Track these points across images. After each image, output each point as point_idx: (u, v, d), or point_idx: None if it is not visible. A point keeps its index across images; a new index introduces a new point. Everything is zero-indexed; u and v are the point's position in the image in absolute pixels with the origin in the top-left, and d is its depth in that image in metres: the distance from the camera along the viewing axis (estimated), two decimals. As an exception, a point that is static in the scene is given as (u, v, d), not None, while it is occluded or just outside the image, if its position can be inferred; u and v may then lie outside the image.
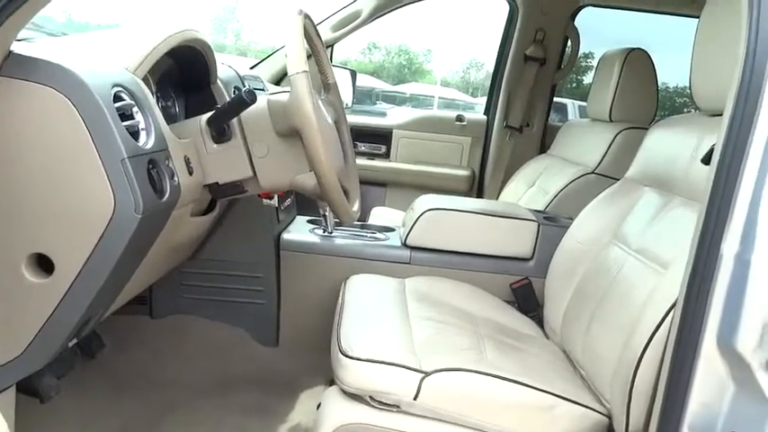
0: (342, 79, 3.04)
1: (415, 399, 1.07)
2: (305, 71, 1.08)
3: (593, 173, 2.02)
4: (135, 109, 1.00)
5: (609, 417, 1.14)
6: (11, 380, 0.99)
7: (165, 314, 1.73)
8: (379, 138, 2.81)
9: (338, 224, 1.89)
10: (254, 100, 1.11)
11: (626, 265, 1.30)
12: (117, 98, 0.96)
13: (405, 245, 1.73)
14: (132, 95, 1.00)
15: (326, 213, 1.76)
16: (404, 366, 1.09)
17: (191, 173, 1.13)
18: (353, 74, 3.00)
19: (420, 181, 2.75)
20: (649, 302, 1.11)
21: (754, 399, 0.76)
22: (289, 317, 1.75)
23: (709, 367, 0.84)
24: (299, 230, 1.79)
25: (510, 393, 1.08)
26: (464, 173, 2.77)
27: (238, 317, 1.73)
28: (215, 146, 1.20)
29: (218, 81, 1.50)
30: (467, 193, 2.77)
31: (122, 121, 0.94)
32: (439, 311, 1.42)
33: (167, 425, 1.51)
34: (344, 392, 1.13)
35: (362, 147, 2.80)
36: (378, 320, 1.29)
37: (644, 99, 2.03)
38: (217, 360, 1.71)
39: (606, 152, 2.01)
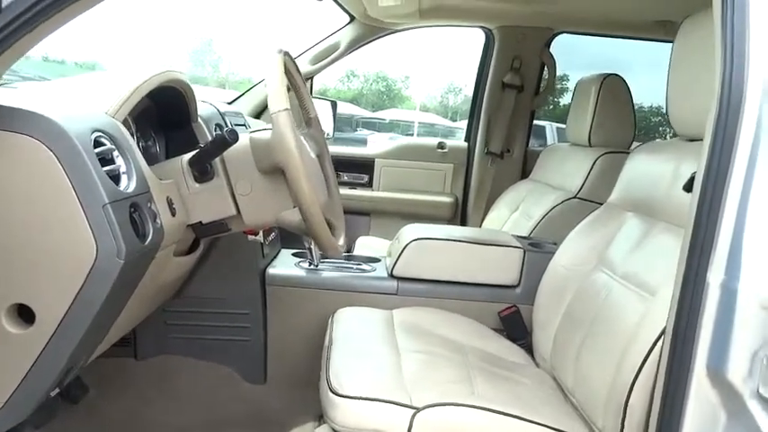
0: (322, 110, 3.06)
1: (407, 436, 1.06)
2: (286, 109, 1.08)
3: (575, 197, 2.04)
4: (115, 153, 0.99)
5: (601, 446, 1.13)
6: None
7: (151, 355, 1.69)
8: (361, 167, 2.82)
9: (323, 256, 1.88)
10: (236, 139, 1.11)
11: (613, 291, 1.30)
12: (97, 143, 0.95)
13: (391, 275, 1.72)
14: (112, 139, 0.99)
15: (311, 247, 1.75)
16: (395, 403, 1.08)
17: (173, 214, 1.12)
18: (334, 105, 3.03)
19: (403, 209, 2.76)
20: (639, 329, 1.11)
21: (746, 428, 0.76)
22: (276, 353, 1.72)
23: (701, 396, 0.84)
24: (285, 264, 1.78)
25: (500, 426, 1.07)
26: (447, 200, 2.79)
27: (225, 355, 1.70)
28: (197, 185, 1.19)
29: (199, 119, 1.49)
30: (450, 220, 2.78)
31: (103, 166, 0.94)
32: (427, 343, 1.41)
33: None
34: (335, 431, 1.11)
35: (345, 176, 2.81)
36: (367, 355, 1.27)
37: (621, 123, 2.07)
38: (204, 400, 1.68)
39: (587, 177, 2.04)
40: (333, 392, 1.10)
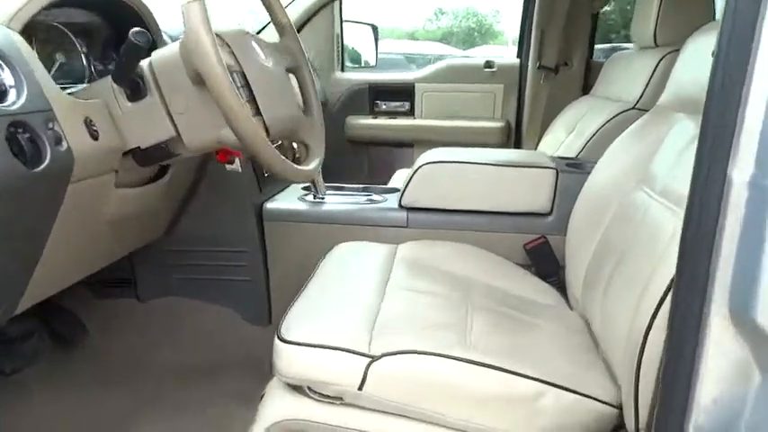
0: (362, 36, 2.82)
1: (359, 389, 0.87)
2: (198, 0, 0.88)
3: (633, 108, 1.69)
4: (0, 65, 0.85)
5: (619, 407, 0.89)
6: None
7: (153, 297, 1.61)
8: (400, 94, 2.56)
9: (339, 188, 1.70)
10: (146, 42, 0.93)
11: (650, 211, 1.02)
12: None
13: (401, 206, 1.51)
14: None
15: (315, 176, 1.56)
16: (347, 350, 0.89)
17: (95, 137, 0.97)
18: (375, 30, 2.77)
19: (449, 138, 2.49)
20: (666, 253, 0.84)
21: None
22: (279, 293, 1.58)
23: (721, 349, 0.58)
24: (287, 198, 1.61)
25: (478, 380, 0.85)
26: (498, 125, 2.48)
27: (227, 296, 1.59)
28: (129, 104, 1.03)
29: (169, 41, 1.33)
30: (502, 147, 2.48)
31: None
32: (427, 280, 1.20)
33: (153, 413, 1.40)
34: (286, 384, 0.95)
35: (383, 105, 2.57)
36: (341, 295, 1.08)
37: (691, 15, 1.66)
38: (207, 344, 1.58)
39: (648, 83, 1.68)
40: (279, 338, 0.93)
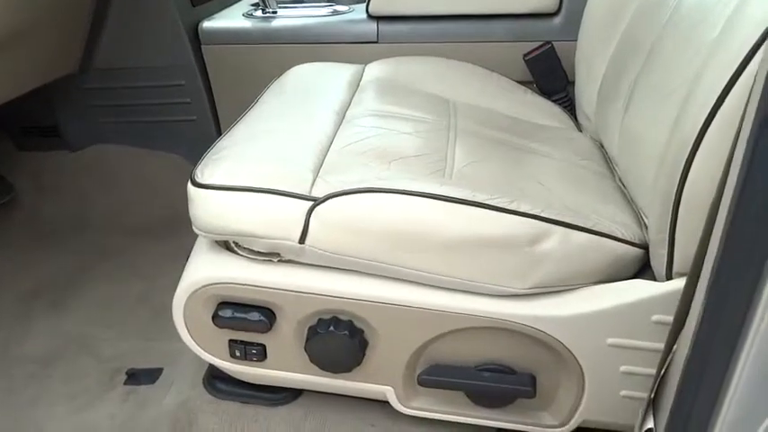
0: None
1: (300, 242, 0.65)
2: None
3: None
4: None
5: (644, 248, 0.67)
6: None
7: (84, 145, 1.37)
8: None
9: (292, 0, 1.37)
10: None
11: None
12: None
13: (369, 16, 1.20)
14: None
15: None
16: (282, 193, 0.66)
17: None
18: None
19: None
20: (717, 48, 0.58)
21: None
22: (233, 134, 1.33)
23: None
24: (230, 15, 1.30)
25: (455, 222, 0.63)
26: None
27: (170, 140, 1.34)
28: None
29: None
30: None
31: None
32: (398, 103, 0.94)
33: (96, 275, 1.22)
34: (212, 241, 0.73)
35: None
36: (283, 126, 0.83)
37: None
38: (154, 195, 1.36)
39: None
40: (192, 182, 0.70)
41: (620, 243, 0.65)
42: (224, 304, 0.70)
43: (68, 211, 1.35)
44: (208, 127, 1.31)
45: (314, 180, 0.68)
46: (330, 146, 0.78)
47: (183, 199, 1.37)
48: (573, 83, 1.10)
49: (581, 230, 0.64)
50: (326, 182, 0.68)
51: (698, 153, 0.55)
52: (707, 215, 0.48)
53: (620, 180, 0.84)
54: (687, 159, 0.56)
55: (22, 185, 1.36)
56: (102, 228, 1.33)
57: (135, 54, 1.24)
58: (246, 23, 1.25)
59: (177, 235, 1.30)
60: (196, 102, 1.28)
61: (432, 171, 0.74)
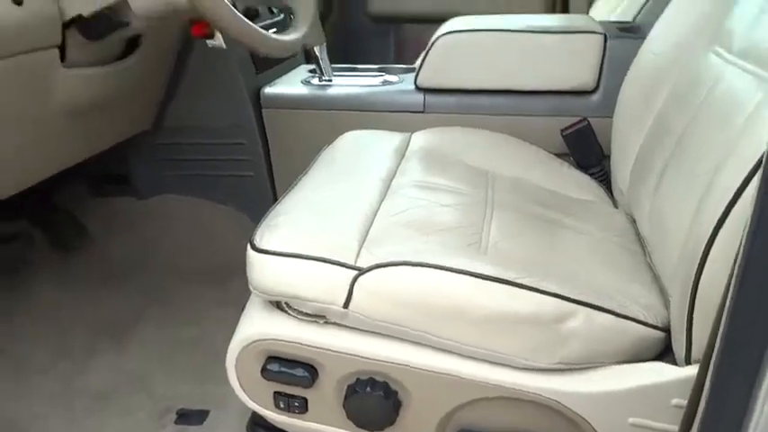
0: None
1: (345, 306, 0.72)
2: None
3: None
4: None
5: (667, 331, 0.71)
6: None
7: (151, 194, 1.49)
8: None
9: (351, 69, 1.48)
10: None
11: (723, 78, 0.78)
12: None
13: (417, 88, 1.29)
14: None
15: (318, 54, 1.35)
16: (330, 261, 0.73)
17: (17, 2, 0.78)
18: None
19: (485, 7, 2.16)
20: (744, 134, 0.63)
21: None
22: (285, 190, 1.42)
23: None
24: (289, 82, 1.41)
25: (487, 298, 0.69)
26: (542, -13, 2.14)
27: (228, 193, 1.45)
28: None
29: None
30: (547, 11, 2.15)
31: None
32: (441, 174, 1.01)
33: (159, 315, 1.33)
34: (265, 300, 0.81)
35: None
36: (334, 194, 0.91)
37: None
38: (211, 244, 1.47)
39: None
40: (251, 246, 0.78)
41: (643, 326, 0.69)
42: (272, 358, 0.77)
43: (133, 255, 1.46)
44: (263, 183, 1.41)
45: (359, 250, 0.75)
46: (375, 216, 0.85)
47: (237, 248, 1.47)
48: (609, 157, 1.15)
49: (605, 312, 0.69)
50: (370, 253, 0.75)
51: (715, 242, 0.60)
52: (719, 303, 0.52)
53: (650, 257, 0.88)
54: (705, 247, 0.60)
55: (93, 228, 1.49)
56: (162, 271, 1.44)
57: (202, 114, 1.36)
58: (304, 90, 1.35)
59: (229, 282, 1.40)
60: (254, 159, 1.39)
61: (468, 244, 0.81)
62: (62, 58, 0.91)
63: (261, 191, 1.42)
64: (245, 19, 0.79)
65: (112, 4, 0.85)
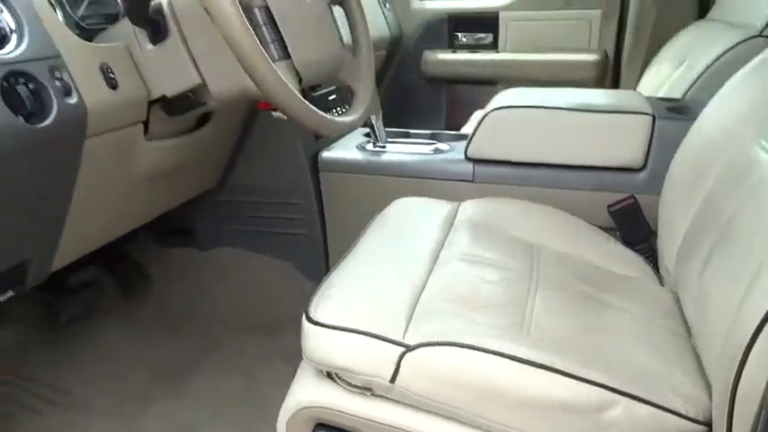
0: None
1: (391, 381, 0.76)
2: None
3: (759, 36, 1.39)
4: (-1, 6, 0.77)
5: (707, 424, 0.72)
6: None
7: (212, 246, 1.58)
8: (482, 25, 2.31)
9: (404, 134, 1.55)
10: None
11: (768, 173, 0.80)
12: None
13: (467, 158, 1.34)
14: None
15: (374, 122, 1.43)
16: (379, 337, 0.77)
17: (113, 86, 0.88)
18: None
19: (537, 74, 2.23)
20: None
21: None
22: (337, 248, 1.49)
23: None
24: (345, 146, 1.49)
25: (528, 383, 0.71)
26: (593, 57, 2.18)
27: (283, 249, 1.52)
28: (150, 47, 0.93)
29: None
30: (598, 83, 2.19)
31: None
32: (488, 246, 1.05)
33: (213, 365, 1.40)
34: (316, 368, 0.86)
35: (463, 38, 2.34)
36: (385, 266, 0.96)
37: None
38: (263, 297, 1.54)
39: (783, 2, 1.36)
40: (306, 317, 0.84)
41: (683, 419, 0.70)
42: (320, 426, 0.81)
43: (191, 304, 1.55)
44: (316, 240, 1.48)
45: (407, 326, 0.79)
46: (423, 289, 0.89)
47: (287, 302, 1.55)
48: (655, 234, 1.16)
49: (645, 403, 0.70)
50: (417, 330, 0.79)
51: (754, 346, 0.61)
52: (756, 410, 0.54)
53: (694, 341, 0.89)
54: (745, 349, 0.62)
55: (155, 276, 1.58)
56: (216, 321, 1.51)
57: (263, 175, 1.44)
58: (359, 155, 1.43)
59: (280, 335, 1.46)
60: (308, 218, 1.46)
61: (511, 323, 0.84)
62: (145, 131, 1.01)
63: (313, 248, 1.49)
64: (311, 106, 0.86)
65: (194, 87, 0.94)
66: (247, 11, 0.83)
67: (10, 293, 0.91)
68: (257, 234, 1.53)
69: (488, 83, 2.36)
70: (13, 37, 0.77)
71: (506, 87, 2.33)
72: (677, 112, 1.22)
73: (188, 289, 1.57)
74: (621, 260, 1.13)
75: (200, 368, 1.38)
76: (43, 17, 0.81)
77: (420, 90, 2.43)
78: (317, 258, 1.50)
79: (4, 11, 0.77)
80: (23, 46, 0.77)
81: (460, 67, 2.36)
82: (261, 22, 0.89)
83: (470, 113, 2.06)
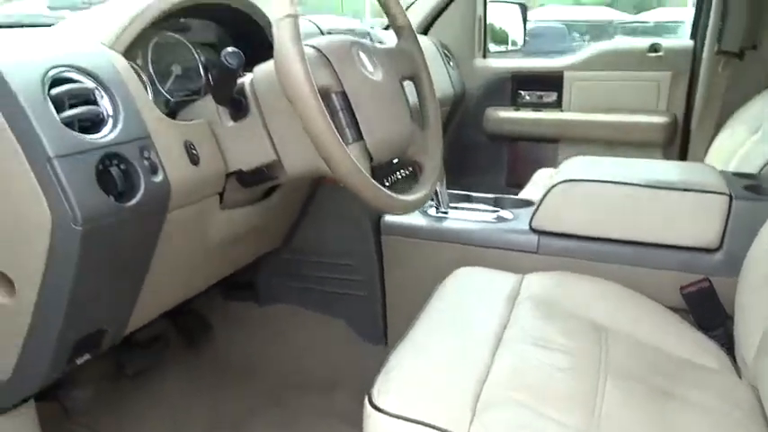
0: (509, 16, 2.60)
1: (454, 478, 0.74)
2: (290, 15, 0.78)
3: None
4: (99, 93, 0.82)
5: None
6: (7, 403, 0.93)
7: (271, 302, 1.61)
8: (546, 83, 2.31)
9: (466, 198, 1.55)
10: (238, 63, 0.86)
11: None
12: (62, 81, 0.78)
13: (531, 229, 1.32)
14: (94, 77, 0.82)
15: (438, 188, 1.43)
16: (440, 430, 0.76)
17: (195, 162, 0.93)
18: (523, 9, 2.55)
19: (601, 134, 2.21)
20: None
21: None
22: (396, 312, 1.49)
23: None
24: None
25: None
26: (662, 120, 2.14)
27: (341, 309, 1.53)
28: (231, 124, 0.98)
29: None
30: (666, 147, 2.14)
31: (74, 107, 0.78)
32: (554, 328, 1.03)
33: (267, 421, 1.40)
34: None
35: (527, 96, 2.34)
36: (448, 346, 0.95)
37: None
38: (320, 356, 1.55)
39: None
40: (369, 402, 0.83)
41: None
42: None
43: (247, 358, 1.57)
44: (375, 303, 1.49)
45: (472, 418, 0.78)
46: (488, 376, 0.88)
47: (342, 362, 1.55)
48: (732, 319, 1.11)
49: None
50: (482, 423, 0.77)
51: None
52: None
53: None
54: None
55: (217, 327, 1.62)
56: (272, 377, 1.53)
57: (326, 238, 1.47)
58: (421, 221, 1.43)
59: (332, 394, 1.46)
60: (368, 280, 1.47)
61: (580, 415, 0.81)
62: (220, 200, 1.05)
63: (372, 310, 1.49)
64: (382, 188, 0.88)
65: (269, 162, 0.98)
66: (325, 97, 0.87)
67: (87, 356, 0.95)
68: (316, 293, 1.55)
69: (551, 141, 2.34)
70: (109, 121, 0.82)
71: (568, 146, 2.33)
72: (755, 191, 1.18)
73: (246, 342, 1.60)
74: (695, 347, 1.08)
75: (254, 423, 1.40)
76: (136, 97, 0.87)
77: (481, 146, 2.44)
78: (375, 320, 1.50)
79: (105, 97, 0.83)
80: (118, 129, 0.82)
81: (523, 125, 2.36)
82: (338, 108, 0.92)
83: (532, 170, 2.05)
